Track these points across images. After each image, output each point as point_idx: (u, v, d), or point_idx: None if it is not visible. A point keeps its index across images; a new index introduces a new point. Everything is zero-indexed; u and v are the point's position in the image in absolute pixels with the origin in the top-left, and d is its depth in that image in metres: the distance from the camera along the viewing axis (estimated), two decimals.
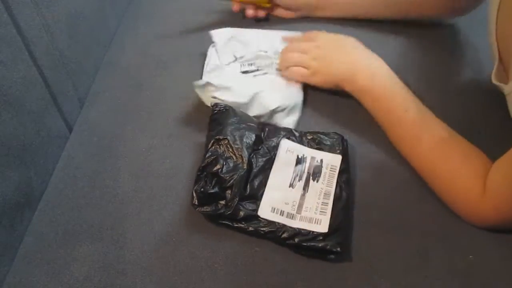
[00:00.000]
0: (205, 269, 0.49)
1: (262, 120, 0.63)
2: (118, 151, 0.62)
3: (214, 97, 0.63)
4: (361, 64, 0.64)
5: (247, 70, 0.70)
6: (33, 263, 0.51)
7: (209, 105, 0.62)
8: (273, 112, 0.63)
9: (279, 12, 0.81)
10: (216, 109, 0.59)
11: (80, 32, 0.69)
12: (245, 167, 0.53)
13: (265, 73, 0.69)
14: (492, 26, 0.57)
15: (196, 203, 0.52)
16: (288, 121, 0.64)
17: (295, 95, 0.66)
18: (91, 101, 0.69)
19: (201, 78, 0.69)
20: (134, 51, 0.78)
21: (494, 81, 0.56)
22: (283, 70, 0.68)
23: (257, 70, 0.70)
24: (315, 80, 0.66)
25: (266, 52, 0.71)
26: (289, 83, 0.68)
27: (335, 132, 0.60)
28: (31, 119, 0.56)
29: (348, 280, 0.49)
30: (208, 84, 0.63)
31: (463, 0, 0.70)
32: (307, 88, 0.68)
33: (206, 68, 0.70)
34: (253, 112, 0.63)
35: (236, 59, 0.71)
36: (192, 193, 0.52)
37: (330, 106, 0.66)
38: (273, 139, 0.58)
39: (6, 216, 0.50)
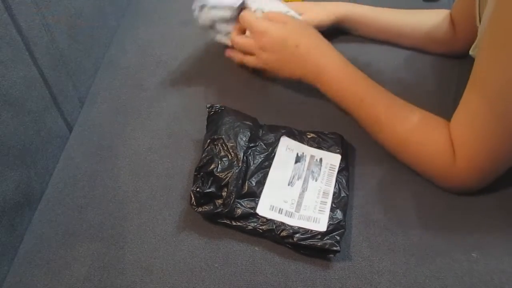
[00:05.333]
0: (205, 269, 0.49)
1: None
2: (118, 151, 0.62)
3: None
4: (309, 62, 0.63)
5: None
6: (33, 263, 0.51)
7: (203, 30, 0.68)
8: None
9: None
10: (212, 110, 0.60)
11: (80, 32, 0.69)
12: (240, 164, 0.53)
13: None
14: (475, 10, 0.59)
15: (194, 203, 0.52)
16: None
17: None
18: (91, 101, 0.70)
19: (200, 79, 0.69)
20: (134, 51, 0.78)
21: (471, 52, 0.57)
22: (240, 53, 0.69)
23: None
24: (279, 77, 0.68)
25: None
26: None
27: (334, 132, 0.61)
28: (31, 119, 0.56)
29: (348, 280, 0.49)
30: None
31: (461, 43, 0.71)
32: (307, 87, 0.67)
33: None
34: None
35: None
36: (190, 193, 0.52)
37: (330, 106, 0.66)
38: (271, 135, 0.59)
39: (6, 216, 0.51)
